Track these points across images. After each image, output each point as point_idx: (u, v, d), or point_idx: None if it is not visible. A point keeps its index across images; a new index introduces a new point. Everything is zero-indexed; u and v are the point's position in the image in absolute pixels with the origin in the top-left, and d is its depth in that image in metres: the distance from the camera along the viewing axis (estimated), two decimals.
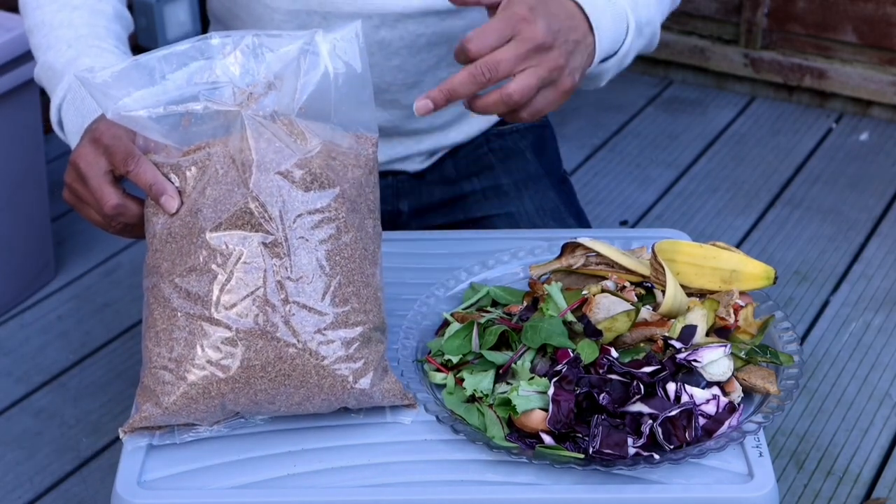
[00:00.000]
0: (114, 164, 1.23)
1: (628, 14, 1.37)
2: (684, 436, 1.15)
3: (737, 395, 1.20)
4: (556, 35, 1.25)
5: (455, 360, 1.25)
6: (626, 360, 1.20)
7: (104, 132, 1.22)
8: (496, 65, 1.22)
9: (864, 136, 3.16)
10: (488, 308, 1.33)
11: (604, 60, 1.38)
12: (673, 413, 1.14)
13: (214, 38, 1.19)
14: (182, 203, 1.18)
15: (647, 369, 1.17)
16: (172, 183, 1.19)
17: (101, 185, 1.24)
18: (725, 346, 1.20)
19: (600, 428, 1.14)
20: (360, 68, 1.21)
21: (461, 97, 1.22)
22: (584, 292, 1.26)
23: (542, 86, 1.25)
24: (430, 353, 1.28)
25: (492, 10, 1.29)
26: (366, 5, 1.49)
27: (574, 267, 1.33)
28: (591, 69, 1.35)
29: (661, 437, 1.14)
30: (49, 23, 1.46)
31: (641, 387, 1.15)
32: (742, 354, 1.23)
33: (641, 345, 1.23)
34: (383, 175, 1.64)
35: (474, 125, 1.65)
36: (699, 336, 1.22)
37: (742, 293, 1.29)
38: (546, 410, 1.16)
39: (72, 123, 1.39)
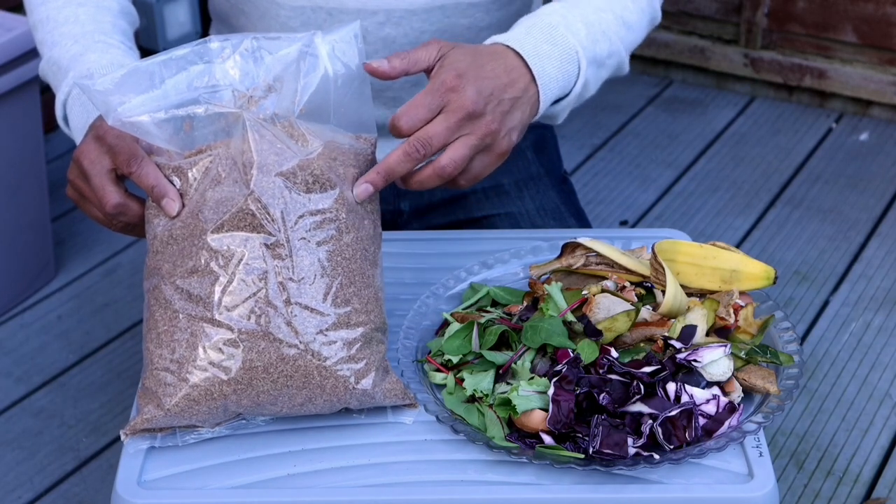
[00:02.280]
0: (117, 164, 1.23)
1: (579, 53, 1.35)
2: (684, 436, 1.15)
3: (737, 395, 1.20)
4: (487, 100, 1.24)
5: (455, 360, 1.25)
6: (626, 360, 1.20)
7: (108, 130, 1.22)
8: (429, 140, 1.21)
9: (864, 136, 3.16)
10: (488, 308, 1.33)
11: (558, 101, 1.37)
12: (673, 413, 1.14)
13: (213, 42, 1.19)
14: (183, 205, 1.18)
15: (647, 369, 1.17)
16: (174, 185, 1.19)
17: (103, 184, 1.24)
18: (725, 346, 1.20)
19: (600, 428, 1.14)
20: (359, 69, 1.21)
21: (399, 175, 1.21)
22: (584, 292, 1.26)
23: (475, 153, 1.24)
24: (430, 353, 1.28)
25: (427, 72, 1.28)
26: (371, 1, 1.49)
27: (574, 267, 1.33)
28: (545, 111, 1.35)
29: (661, 437, 1.14)
30: (54, 18, 1.46)
31: (641, 387, 1.15)
32: (742, 354, 1.23)
33: (641, 345, 1.23)
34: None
35: None
36: (699, 336, 1.23)
37: (742, 293, 1.29)
38: (546, 410, 1.16)
39: (77, 119, 1.39)
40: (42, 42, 1.47)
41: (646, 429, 1.14)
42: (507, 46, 1.31)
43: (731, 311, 1.26)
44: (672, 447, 1.14)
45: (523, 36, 1.32)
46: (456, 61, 1.26)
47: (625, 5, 1.43)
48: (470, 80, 1.24)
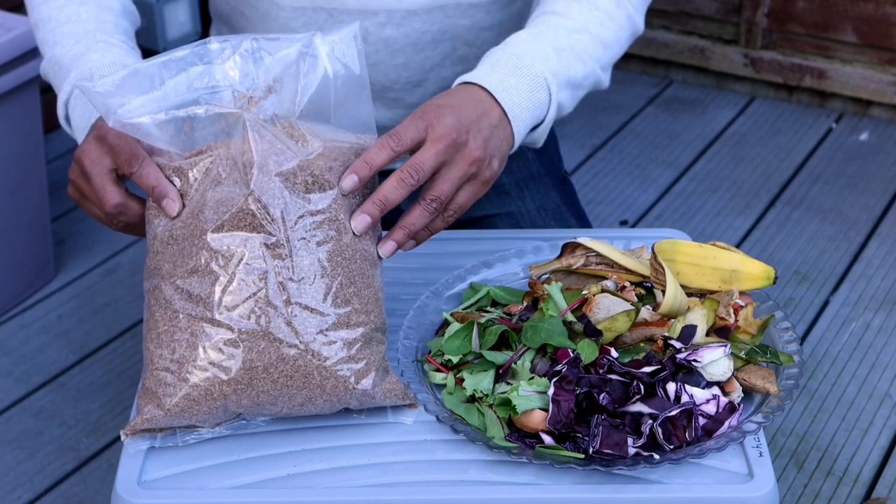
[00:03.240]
0: (118, 164, 1.23)
1: (547, 80, 1.36)
2: (684, 436, 1.15)
3: (737, 395, 1.20)
4: (468, 128, 1.25)
5: (455, 360, 1.25)
6: (626, 360, 1.20)
7: (109, 130, 1.22)
8: (420, 166, 1.22)
9: (864, 136, 3.16)
10: (488, 308, 1.33)
11: (533, 129, 1.38)
12: (673, 413, 1.14)
13: (213, 43, 1.19)
14: (184, 206, 1.19)
15: (647, 369, 1.17)
16: (175, 186, 1.19)
17: (103, 184, 1.24)
18: (725, 346, 1.20)
19: (600, 428, 1.14)
20: (358, 70, 1.21)
21: (394, 202, 1.22)
22: (584, 292, 1.26)
23: (462, 184, 1.25)
24: (430, 353, 1.28)
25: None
26: (372, 2, 1.49)
27: (574, 267, 1.33)
28: (526, 139, 1.36)
29: (661, 437, 1.14)
30: (56, 18, 1.46)
31: (641, 387, 1.15)
32: (742, 354, 1.23)
33: (641, 345, 1.23)
34: (384, 174, 1.64)
35: None
36: (699, 336, 1.23)
37: (742, 293, 1.29)
38: (546, 410, 1.16)
39: (79, 119, 1.39)
40: (43, 41, 1.47)
41: (646, 429, 1.14)
42: (475, 84, 1.32)
43: (731, 311, 1.26)
44: (672, 447, 1.14)
45: (489, 72, 1.33)
46: (433, 100, 1.28)
47: (602, 24, 1.43)
48: (448, 110, 1.25)
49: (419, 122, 1.24)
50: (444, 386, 1.24)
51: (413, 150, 1.24)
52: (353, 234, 1.19)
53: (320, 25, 1.51)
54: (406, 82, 1.56)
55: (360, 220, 1.20)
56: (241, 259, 1.15)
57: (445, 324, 1.32)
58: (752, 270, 1.30)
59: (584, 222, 1.68)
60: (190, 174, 1.19)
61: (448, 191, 1.24)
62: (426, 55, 1.54)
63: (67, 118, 1.42)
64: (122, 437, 1.19)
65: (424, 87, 1.57)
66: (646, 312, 1.25)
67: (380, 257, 1.22)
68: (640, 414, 1.15)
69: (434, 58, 1.55)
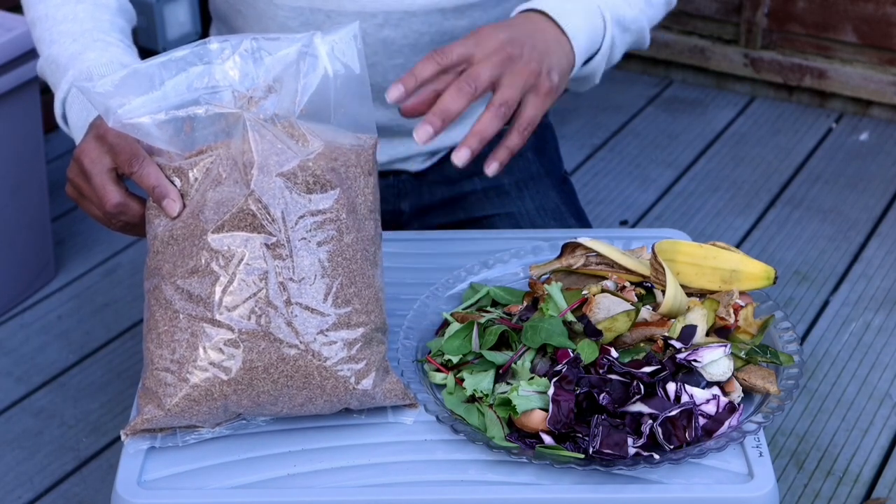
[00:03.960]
0: (118, 164, 1.23)
1: (602, 9, 1.40)
2: (684, 436, 1.15)
3: (737, 395, 1.20)
4: (521, 43, 1.29)
5: (455, 360, 1.25)
6: (626, 360, 1.20)
7: (109, 130, 1.22)
8: (477, 75, 1.26)
9: (864, 136, 3.16)
10: (488, 308, 1.33)
11: (589, 60, 1.42)
12: (673, 413, 1.14)
13: (213, 43, 1.19)
14: (184, 206, 1.18)
15: (647, 369, 1.17)
16: (175, 186, 1.19)
17: (103, 184, 1.24)
18: (725, 346, 1.20)
19: (600, 428, 1.14)
20: (358, 69, 1.21)
21: (455, 114, 1.25)
22: (584, 292, 1.26)
23: (522, 94, 1.28)
24: (430, 353, 1.28)
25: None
26: (370, 3, 1.49)
27: (574, 267, 1.33)
28: (578, 71, 1.38)
29: (661, 437, 1.14)
30: (52, 16, 1.46)
31: (641, 387, 1.15)
32: (742, 354, 1.23)
33: (641, 345, 1.23)
34: (384, 175, 1.64)
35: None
36: (699, 336, 1.23)
37: (742, 293, 1.29)
38: (546, 410, 1.16)
39: (77, 117, 1.39)
40: (40, 39, 1.47)
41: (646, 429, 1.14)
42: (532, 10, 1.36)
43: (731, 311, 1.26)
44: (672, 447, 1.14)
45: None
46: (486, 25, 1.32)
47: None
48: (500, 28, 1.30)
49: (468, 40, 1.28)
50: (444, 386, 1.24)
51: (461, 68, 1.27)
52: (419, 143, 1.25)
53: (318, 26, 1.51)
54: None
55: (423, 131, 1.24)
56: (242, 259, 1.15)
57: (445, 324, 1.32)
58: (752, 270, 1.30)
59: (583, 222, 1.68)
60: (190, 174, 1.19)
61: (513, 96, 1.27)
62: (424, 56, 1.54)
63: (64, 117, 1.42)
64: (123, 437, 1.19)
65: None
66: (646, 312, 1.25)
67: (491, 174, 1.26)
68: (640, 414, 1.15)
69: None
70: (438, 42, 1.54)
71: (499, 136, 1.31)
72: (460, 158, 1.26)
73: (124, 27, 1.49)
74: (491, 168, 1.29)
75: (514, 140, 1.30)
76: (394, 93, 1.23)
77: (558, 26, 1.35)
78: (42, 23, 1.47)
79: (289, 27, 1.52)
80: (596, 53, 1.42)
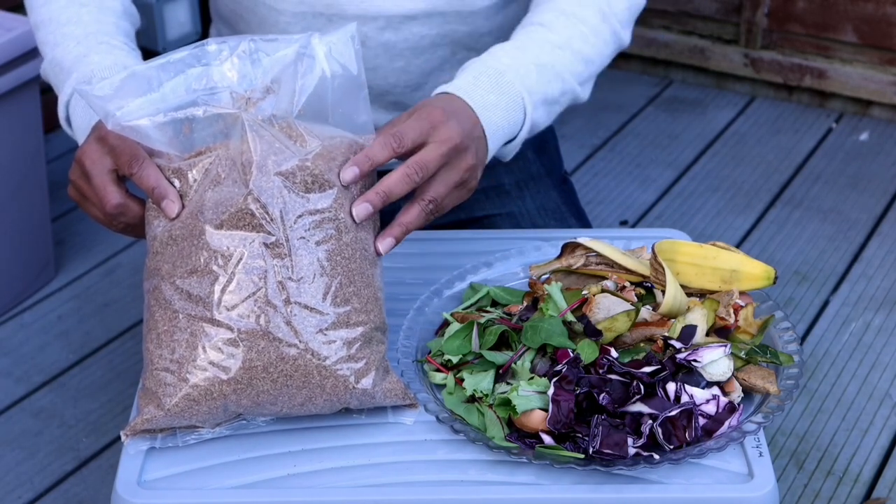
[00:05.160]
0: (118, 165, 1.23)
1: (524, 100, 1.37)
2: (684, 436, 1.15)
3: (737, 395, 1.20)
4: (469, 137, 1.28)
5: (455, 360, 1.25)
6: (626, 360, 1.20)
7: (110, 131, 1.22)
8: (425, 165, 1.24)
9: (864, 136, 3.16)
10: (488, 308, 1.33)
11: (507, 142, 1.40)
12: (673, 413, 1.14)
13: (211, 45, 1.19)
14: (183, 207, 1.19)
15: (647, 369, 1.17)
16: (175, 187, 1.19)
17: (104, 185, 1.24)
18: (725, 346, 1.20)
19: (600, 428, 1.14)
20: (355, 71, 1.21)
21: (397, 196, 1.23)
22: (584, 292, 1.26)
23: (454, 188, 1.27)
24: (430, 353, 1.28)
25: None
26: (371, 7, 1.49)
27: (574, 267, 1.33)
28: (496, 153, 1.37)
29: (661, 437, 1.14)
30: (57, 19, 1.46)
31: (641, 387, 1.15)
32: (742, 354, 1.23)
33: (641, 345, 1.23)
34: (383, 175, 1.64)
35: None
36: (699, 336, 1.23)
37: (742, 293, 1.29)
38: (546, 410, 1.16)
39: (80, 120, 1.39)
40: (44, 42, 1.47)
41: (646, 429, 1.14)
42: (457, 96, 1.33)
43: (731, 311, 1.26)
44: (672, 447, 1.14)
45: (472, 86, 1.34)
46: (431, 101, 1.30)
47: (585, 39, 1.44)
48: (451, 115, 1.27)
49: (423, 124, 1.25)
50: (444, 386, 1.24)
51: (412, 151, 1.25)
52: (354, 222, 1.20)
53: (319, 30, 1.50)
54: (405, 86, 1.56)
55: (363, 209, 1.21)
56: (241, 259, 1.15)
57: (445, 324, 1.32)
58: (752, 270, 1.30)
59: (583, 222, 1.68)
60: (189, 175, 1.19)
61: (444, 193, 1.26)
62: (425, 59, 1.54)
63: (68, 119, 1.42)
64: (123, 438, 1.19)
65: (424, 91, 1.57)
66: (646, 312, 1.25)
67: (379, 254, 1.23)
68: (640, 414, 1.15)
69: (433, 62, 1.55)
70: (439, 45, 1.54)
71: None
72: (385, 247, 1.23)
73: (128, 30, 1.49)
74: (383, 245, 1.24)
75: (418, 221, 1.27)
76: (348, 175, 1.20)
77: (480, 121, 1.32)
78: (46, 26, 1.47)
79: (290, 32, 1.52)
80: (511, 141, 1.40)
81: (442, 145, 1.25)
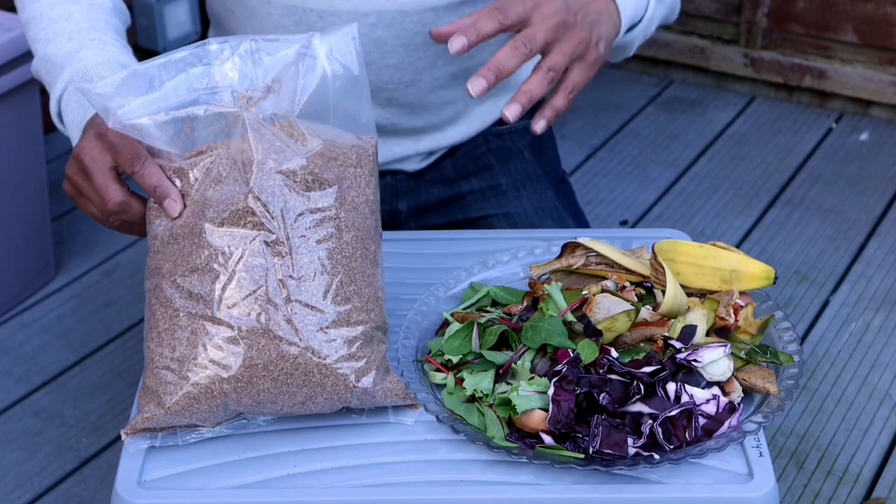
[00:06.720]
0: (119, 163, 1.23)
1: None
2: (684, 436, 1.15)
3: (737, 395, 1.20)
4: (576, 12, 1.33)
5: (455, 360, 1.25)
6: (626, 360, 1.20)
7: (109, 129, 1.22)
8: (532, 38, 1.30)
9: (864, 136, 3.16)
10: (488, 308, 1.33)
11: (630, 29, 1.46)
12: (673, 413, 1.14)
13: (212, 44, 1.19)
14: (185, 206, 1.19)
15: (647, 369, 1.17)
16: (176, 186, 1.19)
17: (106, 182, 1.24)
18: (725, 346, 1.20)
19: (600, 428, 1.14)
20: (356, 70, 1.21)
21: (509, 71, 1.29)
22: (584, 292, 1.26)
23: (571, 61, 1.32)
24: (430, 353, 1.28)
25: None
26: (362, 3, 1.49)
27: (574, 267, 1.33)
28: (618, 39, 1.42)
29: (661, 437, 1.14)
30: (48, 15, 1.46)
31: (641, 387, 1.15)
32: (742, 354, 1.23)
33: (641, 345, 1.23)
34: (382, 175, 1.64)
35: (473, 125, 1.65)
36: (699, 336, 1.23)
37: (742, 293, 1.29)
38: (546, 410, 1.16)
39: (73, 116, 1.39)
40: (35, 39, 1.47)
41: (646, 429, 1.14)
42: None
43: (731, 311, 1.26)
44: (672, 447, 1.14)
45: None
46: None
47: None
48: None
49: (526, 1, 1.31)
50: (444, 386, 1.24)
51: (517, 28, 1.31)
52: (471, 97, 1.28)
53: (311, 25, 1.50)
54: (399, 82, 1.55)
55: (478, 84, 1.27)
56: (241, 257, 1.15)
57: (445, 324, 1.32)
58: (752, 270, 1.30)
59: (581, 223, 1.68)
60: (190, 174, 1.19)
61: (561, 62, 1.31)
62: (418, 56, 1.54)
63: (60, 115, 1.42)
64: (123, 437, 1.19)
65: (418, 87, 1.56)
66: (646, 312, 1.25)
67: (507, 121, 1.28)
68: (640, 414, 1.15)
69: (426, 58, 1.55)
70: (431, 42, 1.54)
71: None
72: (513, 112, 1.29)
73: (119, 27, 1.49)
74: (539, 125, 1.32)
75: (560, 102, 1.34)
76: (457, 44, 1.27)
77: None
78: (37, 22, 1.47)
79: (281, 26, 1.51)
80: (637, 23, 1.46)
81: (547, 20, 1.30)
